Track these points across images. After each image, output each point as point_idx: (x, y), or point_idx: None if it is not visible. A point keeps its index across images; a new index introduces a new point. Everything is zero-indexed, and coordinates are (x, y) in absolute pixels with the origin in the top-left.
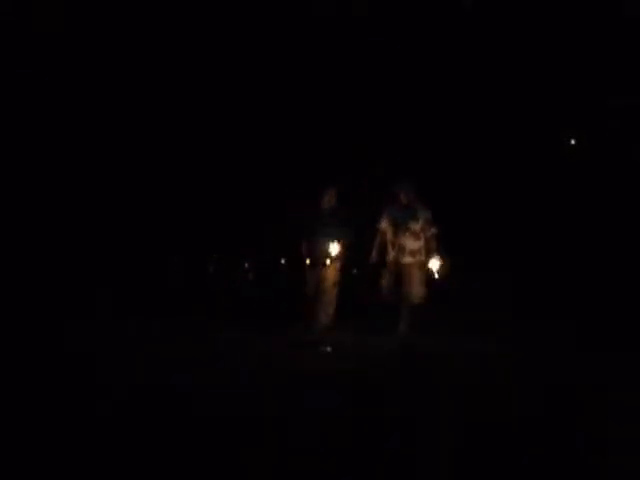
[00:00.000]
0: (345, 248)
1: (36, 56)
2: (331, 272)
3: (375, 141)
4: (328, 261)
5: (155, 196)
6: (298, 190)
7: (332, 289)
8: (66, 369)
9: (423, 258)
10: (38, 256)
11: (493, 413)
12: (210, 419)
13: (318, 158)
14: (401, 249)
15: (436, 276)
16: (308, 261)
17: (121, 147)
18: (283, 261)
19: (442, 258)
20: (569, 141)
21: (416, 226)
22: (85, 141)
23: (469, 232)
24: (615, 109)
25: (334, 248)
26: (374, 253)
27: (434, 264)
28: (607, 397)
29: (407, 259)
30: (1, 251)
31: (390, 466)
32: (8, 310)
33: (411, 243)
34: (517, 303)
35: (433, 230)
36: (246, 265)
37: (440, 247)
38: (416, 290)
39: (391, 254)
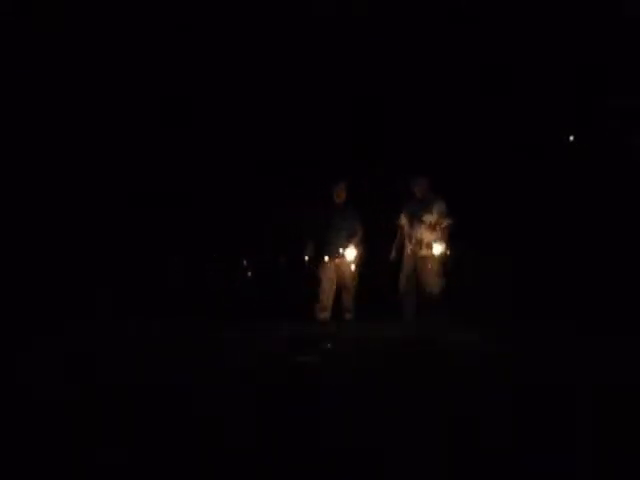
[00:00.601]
0: (360, 243)
1: (36, 56)
2: (350, 266)
3: (375, 141)
4: (347, 258)
5: (155, 196)
6: (298, 190)
7: (352, 283)
8: (66, 369)
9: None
10: (38, 256)
11: (493, 413)
12: (210, 419)
13: (318, 158)
14: (419, 242)
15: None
16: (307, 258)
17: (121, 147)
18: (283, 260)
19: (448, 247)
20: (568, 138)
21: (431, 218)
22: (85, 141)
23: (468, 232)
24: (615, 109)
25: (351, 252)
26: (393, 251)
27: (437, 248)
28: (607, 397)
29: (425, 251)
30: (1, 251)
31: (390, 466)
32: (8, 310)
33: (428, 235)
34: (517, 301)
35: (447, 221)
36: (245, 262)
37: (449, 238)
38: (433, 280)
39: (409, 248)
